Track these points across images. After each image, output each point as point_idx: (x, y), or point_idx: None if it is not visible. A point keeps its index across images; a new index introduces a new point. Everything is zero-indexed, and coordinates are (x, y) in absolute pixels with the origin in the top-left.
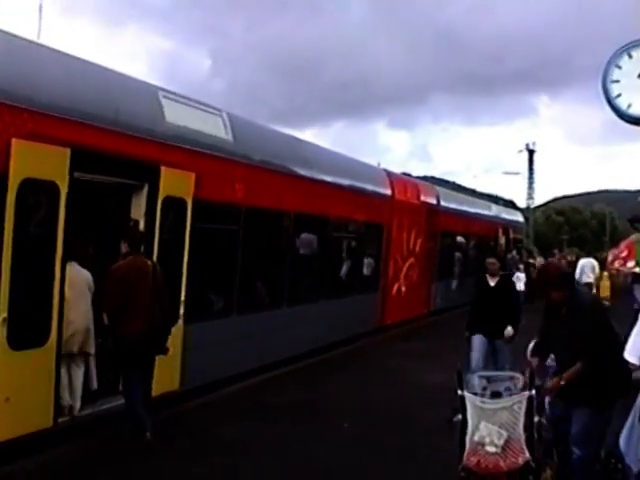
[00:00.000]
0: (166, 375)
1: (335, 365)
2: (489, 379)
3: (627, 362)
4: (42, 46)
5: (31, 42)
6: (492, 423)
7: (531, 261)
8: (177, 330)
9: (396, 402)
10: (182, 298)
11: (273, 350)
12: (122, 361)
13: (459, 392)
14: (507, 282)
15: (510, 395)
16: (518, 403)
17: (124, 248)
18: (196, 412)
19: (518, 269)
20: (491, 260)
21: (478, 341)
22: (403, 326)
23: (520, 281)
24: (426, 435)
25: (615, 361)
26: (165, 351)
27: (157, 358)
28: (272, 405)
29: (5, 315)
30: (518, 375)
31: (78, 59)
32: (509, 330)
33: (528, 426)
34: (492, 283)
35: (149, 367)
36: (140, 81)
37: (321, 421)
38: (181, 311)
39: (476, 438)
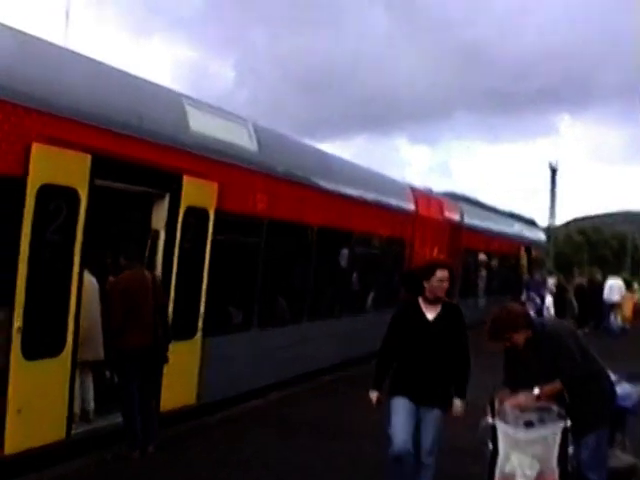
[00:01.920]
0: (183, 389)
1: (357, 381)
2: (520, 409)
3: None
4: (65, 49)
5: (54, 45)
6: (525, 454)
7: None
8: (195, 343)
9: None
10: (201, 311)
11: (293, 365)
12: (123, 374)
13: (490, 420)
14: (454, 314)
15: (544, 425)
16: (553, 435)
17: (121, 262)
18: (216, 427)
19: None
20: (441, 273)
21: (402, 408)
22: None
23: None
24: (452, 457)
25: (596, 379)
26: (165, 361)
27: (174, 371)
28: (293, 421)
29: (20, 324)
30: (553, 406)
31: (102, 64)
32: (458, 405)
33: (562, 458)
34: (430, 315)
35: (155, 380)
36: (165, 88)
37: (343, 438)
38: (200, 324)
39: (507, 469)
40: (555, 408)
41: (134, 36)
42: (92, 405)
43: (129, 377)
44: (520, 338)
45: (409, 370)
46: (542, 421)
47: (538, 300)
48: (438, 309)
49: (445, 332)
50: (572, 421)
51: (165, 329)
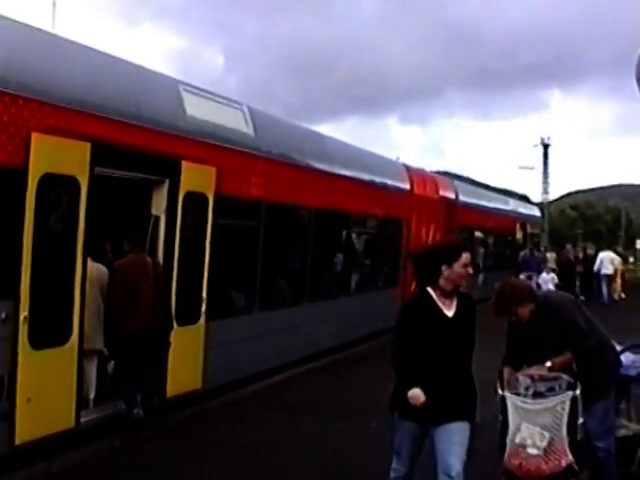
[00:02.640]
0: (188, 374)
1: (358, 362)
2: (532, 378)
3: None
4: (62, 39)
5: (51, 35)
6: (534, 424)
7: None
8: (198, 328)
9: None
10: (203, 295)
11: (295, 347)
12: (121, 356)
13: (499, 392)
14: (470, 306)
15: (554, 395)
16: (561, 404)
17: (125, 246)
18: (219, 411)
19: (546, 269)
20: (466, 256)
21: (412, 431)
22: None
23: (548, 283)
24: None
25: (601, 349)
26: (168, 346)
27: (179, 357)
28: (297, 403)
29: (26, 314)
30: (563, 375)
31: (98, 52)
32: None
33: (572, 428)
34: (448, 311)
35: (154, 363)
36: (160, 74)
37: (348, 420)
38: (203, 308)
39: (517, 440)
40: (565, 377)
41: (123, 24)
42: (93, 394)
43: (126, 359)
44: (525, 312)
45: (426, 380)
46: (552, 390)
47: (537, 277)
48: (455, 302)
49: (466, 330)
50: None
51: (166, 313)
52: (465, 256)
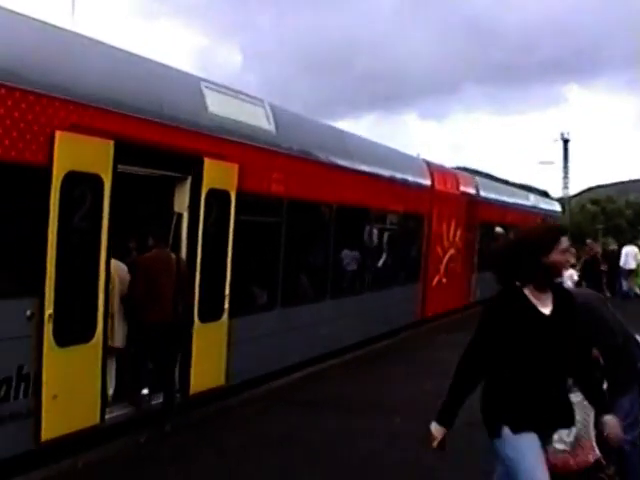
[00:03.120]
0: (212, 370)
1: (380, 358)
2: None
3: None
4: (85, 37)
5: (73, 33)
6: None
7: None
8: (222, 324)
9: (446, 395)
10: (226, 292)
11: (318, 343)
12: (141, 347)
13: None
14: (569, 301)
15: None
16: None
17: (149, 242)
18: (242, 408)
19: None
20: (565, 240)
21: (531, 447)
22: (444, 318)
23: (566, 280)
24: (480, 430)
25: (626, 344)
26: (188, 340)
27: (203, 353)
28: (319, 400)
29: (51, 311)
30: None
31: (121, 50)
32: (611, 423)
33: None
34: (545, 308)
35: (174, 359)
36: (182, 72)
37: (370, 415)
38: (225, 305)
39: None
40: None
41: (140, 22)
42: (112, 390)
43: (145, 351)
44: None
45: (531, 389)
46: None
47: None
48: (551, 298)
49: (566, 329)
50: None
51: (187, 309)
52: (564, 240)
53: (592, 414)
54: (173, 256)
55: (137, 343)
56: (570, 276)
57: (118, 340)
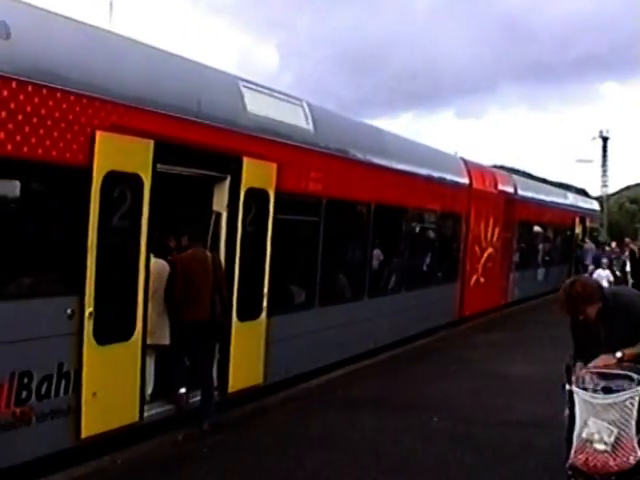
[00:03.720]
0: (250, 369)
1: (418, 357)
2: (604, 376)
3: None
4: (124, 37)
5: (113, 34)
6: (602, 419)
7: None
8: (260, 323)
9: (483, 394)
10: (265, 291)
11: (355, 342)
12: (179, 346)
13: (567, 387)
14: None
15: (622, 391)
16: (630, 399)
17: (184, 242)
18: (280, 407)
19: (602, 265)
20: None
21: None
22: (482, 317)
23: (602, 280)
24: (516, 429)
25: None
26: (225, 338)
27: (241, 352)
28: (357, 398)
29: (91, 309)
30: (633, 375)
31: (159, 50)
32: None
33: None
34: None
35: (212, 357)
36: (220, 71)
37: (408, 414)
38: (264, 304)
39: (584, 435)
40: (635, 376)
41: (177, 23)
42: (151, 389)
43: (185, 350)
44: (593, 311)
45: None
46: (620, 388)
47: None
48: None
49: None
50: None
51: (225, 308)
52: None
53: (634, 415)
54: (209, 255)
55: (175, 341)
56: (607, 276)
57: (164, 337)
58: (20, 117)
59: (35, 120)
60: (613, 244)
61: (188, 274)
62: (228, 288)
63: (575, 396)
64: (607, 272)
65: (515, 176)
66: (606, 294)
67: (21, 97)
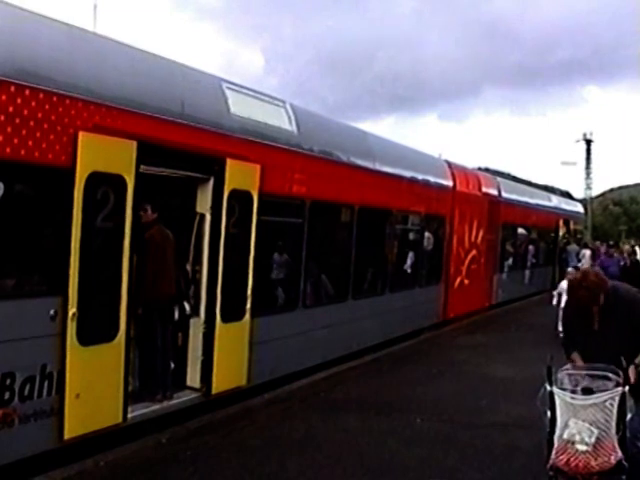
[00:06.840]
0: (234, 371)
1: (401, 359)
2: (582, 377)
3: None
4: (107, 39)
5: (97, 35)
6: (582, 420)
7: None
8: (244, 324)
9: (467, 396)
10: (248, 292)
11: (339, 344)
12: (153, 320)
13: (548, 387)
14: None
15: (602, 392)
16: (610, 400)
17: (150, 215)
18: (265, 408)
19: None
20: None
21: None
22: (466, 319)
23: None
24: (500, 431)
25: None
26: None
27: (225, 353)
28: (341, 400)
29: (74, 310)
30: (613, 376)
31: (143, 51)
32: None
33: (620, 425)
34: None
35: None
36: (204, 73)
37: (392, 416)
38: (247, 305)
39: (565, 436)
40: (613, 377)
41: (162, 26)
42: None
43: (157, 322)
44: (603, 299)
45: None
46: (600, 389)
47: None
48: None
49: None
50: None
51: (187, 281)
52: None
53: (614, 415)
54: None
55: (149, 316)
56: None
57: None
58: (2, 118)
59: (18, 121)
60: (603, 248)
61: (162, 250)
62: (212, 289)
63: (556, 397)
64: (588, 251)
65: (499, 178)
66: (609, 287)
67: (3, 97)
